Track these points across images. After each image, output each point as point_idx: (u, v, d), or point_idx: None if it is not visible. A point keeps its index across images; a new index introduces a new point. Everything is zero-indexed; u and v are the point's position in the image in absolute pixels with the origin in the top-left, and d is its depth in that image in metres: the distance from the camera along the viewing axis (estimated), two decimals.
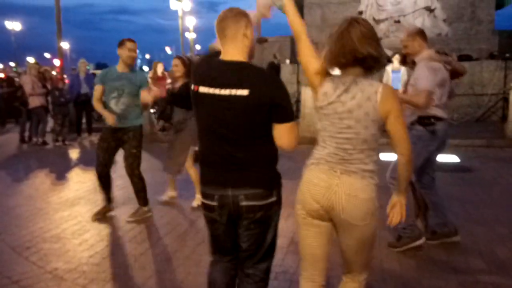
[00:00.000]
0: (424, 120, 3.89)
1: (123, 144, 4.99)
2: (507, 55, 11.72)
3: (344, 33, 2.19)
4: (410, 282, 3.43)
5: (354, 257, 2.33)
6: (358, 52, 2.15)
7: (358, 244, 2.27)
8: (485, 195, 5.70)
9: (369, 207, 2.18)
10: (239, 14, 2.24)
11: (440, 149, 4.04)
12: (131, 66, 4.98)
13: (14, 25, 54.58)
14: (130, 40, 4.96)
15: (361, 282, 2.42)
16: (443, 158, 7.42)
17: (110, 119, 4.79)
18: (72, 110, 11.59)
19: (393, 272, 3.61)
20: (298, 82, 12.59)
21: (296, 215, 2.35)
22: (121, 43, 4.93)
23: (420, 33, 4.00)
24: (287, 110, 2.22)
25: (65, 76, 14.19)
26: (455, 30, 14.62)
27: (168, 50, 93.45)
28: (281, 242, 4.27)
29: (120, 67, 4.94)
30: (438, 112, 3.87)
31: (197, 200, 5.27)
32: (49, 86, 10.73)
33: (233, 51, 2.23)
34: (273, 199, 2.29)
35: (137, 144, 5.01)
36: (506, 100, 10.75)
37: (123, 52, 4.88)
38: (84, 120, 11.86)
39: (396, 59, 11.09)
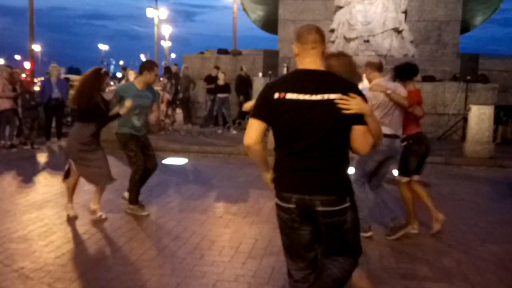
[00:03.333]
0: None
1: (143, 149, 5.54)
2: (468, 77, 12.30)
3: None
4: None
5: None
6: None
7: None
8: (438, 209, 6.02)
9: None
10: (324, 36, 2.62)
11: (389, 160, 4.74)
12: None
13: None
14: (156, 64, 5.57)
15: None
16: None
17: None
18: (42, 114, 11.53)
19: None
20: None
21: None
22: (149, 67, 5.43)
23: (369, 64, 4.89)
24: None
25: (36, 79, 14.07)
26: (422, 51, 15.23)
27: (142, 57, 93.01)
28: (243, 247, 4.48)
29: (139, 85, 5.45)
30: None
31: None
32: (18, 89, 10.67)
33: (317, 62, 2.55)
34: (347, 204, 2.49)
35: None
36: (466, 120, 11.28)
37: (150, 77, 5.43)
38: (54, 125, 11.80)
39: (365, 77, 11.52)
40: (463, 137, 11.39)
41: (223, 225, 5.14)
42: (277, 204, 2.56)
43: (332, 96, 2.42)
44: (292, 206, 2.47)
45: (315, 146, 2.42)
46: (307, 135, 2.43)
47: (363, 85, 12.10)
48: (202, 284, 3.66)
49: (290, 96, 2.43)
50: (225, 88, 13.88)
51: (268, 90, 2.51)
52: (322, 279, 2.59)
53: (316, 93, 2.43)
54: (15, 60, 68.58)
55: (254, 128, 2.50)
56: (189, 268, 3.98)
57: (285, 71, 13.93)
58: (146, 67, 5.44)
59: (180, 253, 4.32)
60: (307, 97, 2.42)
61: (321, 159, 2.43)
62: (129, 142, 5.44)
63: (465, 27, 16.79)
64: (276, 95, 2.45)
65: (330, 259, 2.62)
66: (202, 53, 16.98)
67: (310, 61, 2.55)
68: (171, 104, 14.37)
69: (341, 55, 3.22)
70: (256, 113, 2.52)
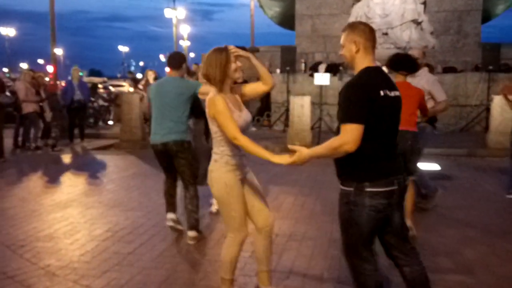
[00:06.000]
0: (432, 120, 5.21)
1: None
2: (490, 67, 12.08)
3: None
4: (380, 279, 3.66)
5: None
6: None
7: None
8: (461, 200, 5.98)
9: (209, 176, 3.12)
10: None
11: None
12: None
13: (8, 31, 54.68)
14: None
15: (227, 238, 3.19)
16: (424, 166, 7.75)
17: None
18: (66, 116, 11.78)
19: None
20: (288, 91, 12.87)
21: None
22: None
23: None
24: None
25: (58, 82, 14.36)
26: (442, 42, 14.98)
27: (162, 57, 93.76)
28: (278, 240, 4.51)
29: None
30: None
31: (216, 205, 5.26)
32: (42, 92, 10.90)
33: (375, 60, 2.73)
34: None
35: None
36: (489, 110, 11.09)
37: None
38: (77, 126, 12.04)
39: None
40: (486, 128, 11.20)
41: None
42: (374, 193, 2.60)
43: (398, 93, 2.72)
44: (395, 187, 2.65)
45: (396, 136, 2.76)
46: (394, 127, 2.73)
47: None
48: None
49: (388, 93, 2.63)
50: None
51: (369, 90, 2.57)
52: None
53: (393, 89, 2.68)
54: (38, 64, 70.07)
55: (359, 134, 2.53)
56: (211, 263, 4.03)
57: (303, 66, 13.92)
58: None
59: (201, 249, 4.38)
60: (392, 93, 2.66)
61: (396, 146, 2.78)
62: (194, 151, 4.86)
63: (486, 16, 16.47)
64: (382, 93, 2.59)
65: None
66: None
67: (373, 59, 2.70)
68: None
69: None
70: (359, 117, 2.53)
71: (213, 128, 3.05)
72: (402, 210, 2.82)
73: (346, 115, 2.53)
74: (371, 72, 2.65)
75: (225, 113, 2.91)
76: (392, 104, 2.65)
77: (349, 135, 2.50)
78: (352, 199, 2.61)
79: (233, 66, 3.01)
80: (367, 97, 2.53)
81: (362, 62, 2.67)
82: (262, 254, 3.27)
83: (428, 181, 5.54)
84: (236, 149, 3.06)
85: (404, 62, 4.50)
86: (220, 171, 3.05)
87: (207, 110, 3.01)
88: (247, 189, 3.20)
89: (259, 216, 3.21)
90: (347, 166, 2.65)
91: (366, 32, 2.66)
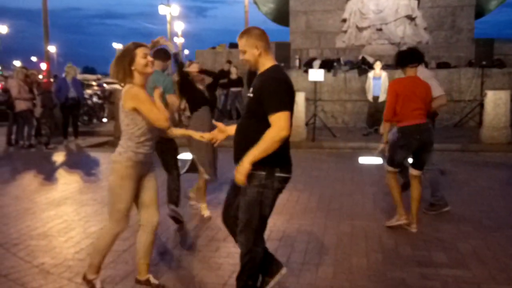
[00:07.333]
0: (433, 115, 5.21)
1: None
2: (484, 62, 12.12)
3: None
4: (376, 274, 3.69)
5: None
6: None
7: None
8: (455, 195, 5.99)
9: (112, 166, 3.19)
10: None
11: None
12: None
13: (0, 28, 54.28)
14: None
15: (106, 226, 3.43)
16: None
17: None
18: (59, 114, 11.73)
19: (361, 265, 3.86)
20: None
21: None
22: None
23: None
24: None
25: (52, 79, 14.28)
26: (436, 38, 15.03)
27: None
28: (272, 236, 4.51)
29: None
30: None
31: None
32: (35, 90, 10.84)
33: None
34: None
35: None
36: (482, 106, 11.13)
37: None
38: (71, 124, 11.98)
39: (377, 66, 11.38)
40: (480, 123, 11.25)
41: None
42: (282, 178, 2.91)
43: None
44: (291, 174, 2.99)
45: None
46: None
47: (375, 73, 12.03)
48: (218, 275, 3.71)
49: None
50: (238, 82, 13.91)
51: (290, 84, 2.88)
52: None
53: None
54: (32, 61, 69.54)
55: (290, 120, 2.79)
56: (206, 260, 4.03)
57: (297, 63, 13.90)
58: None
59: (196, 246, 4.37)
60: None
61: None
62: (175, 143, 5.20)
63: (480, 12, 16.50)
64: (294, 87, 2.90)
65: None
66: (214, 48, 17.01)
67: (273, 58, 2.97)
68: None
69: None
70: (289, 106, 2.81)
71: (125, 120, 3.12)
72: None
73: (277, 104, 2.73)
74: (282, 69, 2.99)
75: (149, 100, 3.05)
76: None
77: (283, 122, 2.73)
78: (263, 182, 2.86)
79: (142, 61, 3.11)
80: (290, 88, 2.84)
81: (267, 61, 2.90)
82: (141, 248, 3.47)
83: (440, 192, 5.29)
84: (142, 147, 3.18)
85: (410, 55, 4.63)
86: (121, 164, 3.15)
87: (123, 103, 3.08)
88: (143, 185, 3.33)
89: (145, 213, 3.42)
90: None
91: (263, 35, 2.89)
